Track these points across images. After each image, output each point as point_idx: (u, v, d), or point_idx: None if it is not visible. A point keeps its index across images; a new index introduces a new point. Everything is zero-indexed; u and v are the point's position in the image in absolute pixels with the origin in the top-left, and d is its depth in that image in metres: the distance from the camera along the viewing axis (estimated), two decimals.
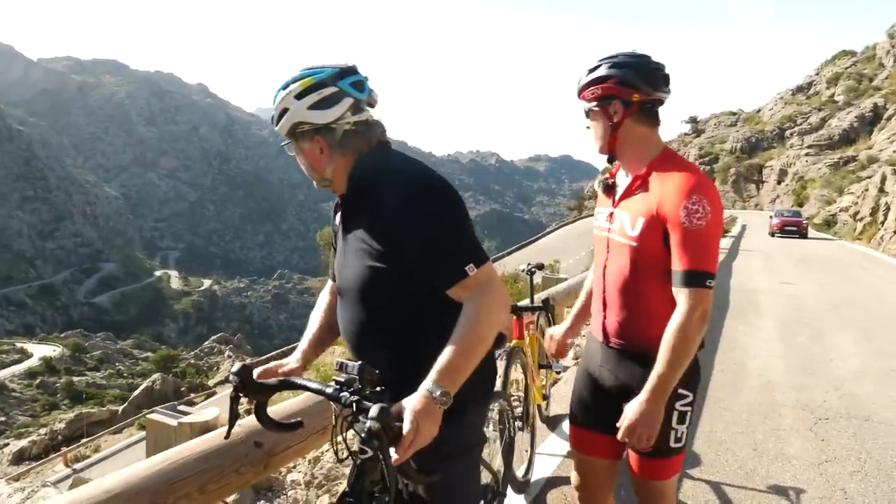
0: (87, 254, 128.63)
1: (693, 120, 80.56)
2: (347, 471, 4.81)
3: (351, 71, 1.67)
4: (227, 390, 30.00)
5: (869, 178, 29.67)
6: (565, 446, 4.02)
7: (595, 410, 2.07)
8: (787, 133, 55.88)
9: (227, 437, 1.68)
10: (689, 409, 1.95)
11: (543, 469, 3.68)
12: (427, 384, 1.43)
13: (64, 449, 24.17)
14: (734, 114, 75.70)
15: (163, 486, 1.60)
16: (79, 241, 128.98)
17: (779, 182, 50.10)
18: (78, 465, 22.20)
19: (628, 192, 1.98)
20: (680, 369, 1.79)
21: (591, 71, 1.98)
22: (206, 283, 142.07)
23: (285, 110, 1.62)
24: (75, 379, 45.37)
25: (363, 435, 1.38)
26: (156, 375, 32.57)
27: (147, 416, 2.14)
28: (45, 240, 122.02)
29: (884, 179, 25.98)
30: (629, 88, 1.91)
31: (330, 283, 1.96)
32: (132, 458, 18.40)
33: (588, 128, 2.05)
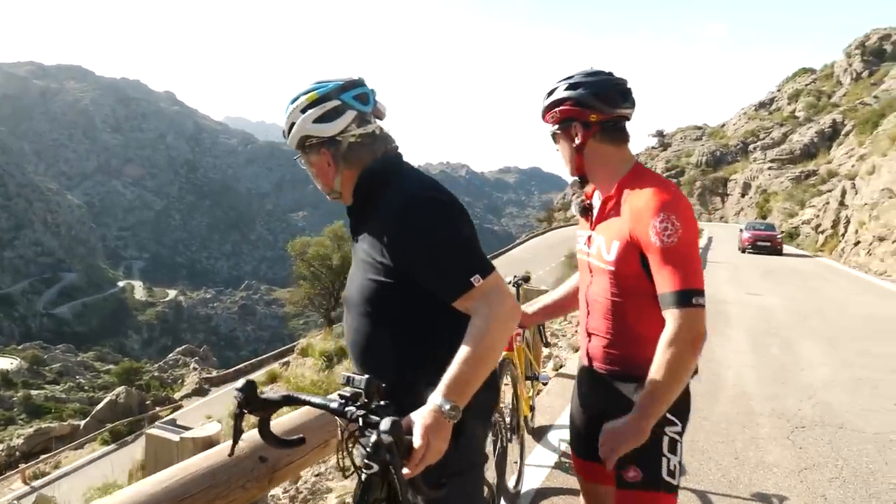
0: (47, 263, 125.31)
1: (660, 134, 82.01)
2: (331, 485, 4.77)
3: (355, 84, 1.68)
4: (194, 403, 29.53)
5: (829, 191, 30.51)
6: (552, 457, 4.05)
7: (591, 440, 1.92)
8: (751, 147, 57.18)
9: (231, 455, 1.65)
10: (678, 437, 1.83)
11: (532, 480, 3.70)
12: (436, 398, 1.41)
13: (22, 465, 23.43)
14: (699, 128, 77.29)
15: (170, 502, 1.57)
16: (39, 249, 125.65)
17: (743, 195, 51.18)
18: (37, 483, 21.53)
19: (601, 215, 1.92)
20: (671, 396, 1.69)
21: (549, 94, 1.94)
22: (172, 293, 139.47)
23: (293, 124, 1.64)
24: (33, 392, 44.08)
25: (369, 449, 1.36)
26: (120, 389, 31.83)
27: (147, 431, 2.10)
28: (3, 248, 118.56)
29: (844, 193, 26.74)
30: (586, 109, 1.86)
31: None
32: (96, 475, 17.98)
33: (557, 150, 2.01)
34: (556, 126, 1.93)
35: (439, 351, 1.53)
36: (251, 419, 1.71)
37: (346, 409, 1.47)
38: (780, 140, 53.57)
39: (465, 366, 1.45)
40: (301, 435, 1.73)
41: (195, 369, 41.77)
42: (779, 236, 24.74)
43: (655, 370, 1.68)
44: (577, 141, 1.89)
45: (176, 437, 1.94)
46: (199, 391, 31.00)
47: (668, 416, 1.77)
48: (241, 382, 1.56)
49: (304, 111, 1.62)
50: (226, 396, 25.63)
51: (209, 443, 1.96)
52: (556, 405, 5.10)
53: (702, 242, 28.22)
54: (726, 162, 59.73)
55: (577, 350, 6.57)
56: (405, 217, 1.55)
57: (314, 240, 27.32)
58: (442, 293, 1.55)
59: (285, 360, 26.78)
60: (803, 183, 41.36)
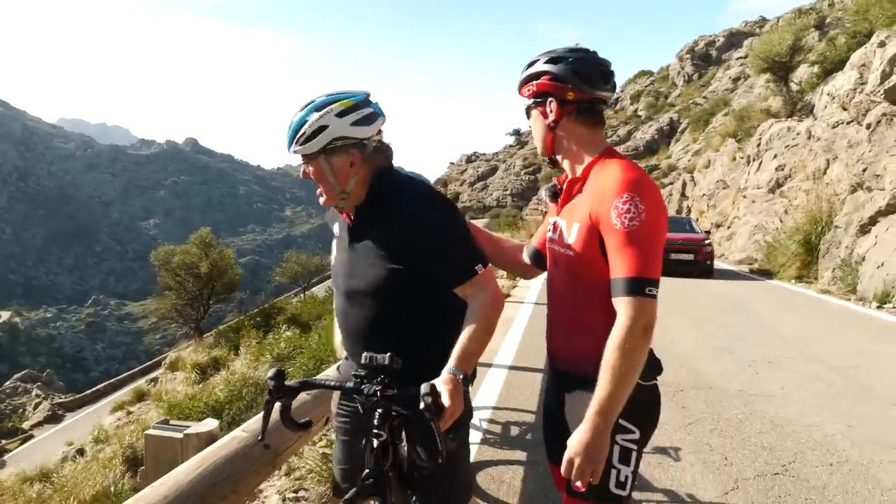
0: None
1: (517, 132, 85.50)
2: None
3: (371, 97, 1.90)
4: (47, 431, 26.98)
5: (671, 184, 33.44)
6: (478, 434, 4.37)
7: (557, 444, 1.81)
8: None
9: (261, 440, 1.77)
10: (633, 447, 1.71)
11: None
12: (451, 368, 1.68)
13: None
14: None
15: (206, 489, 1.69)
16: None
17: None
18: None
19: (566, 198, 1.85)
20: (623, 391, 1.56)
21: (529, 66, 1.85)
22: (5, 314, 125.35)
23: (323, 127, 1.77)
24: None
25: (408, 412, 1.60)
26: None
27: (145, 432, 2.14)
28: None
29: (685, 185, 29.50)
30: (565, 85, 1.77)
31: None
32: None
33: (529, 126, 1.94)
34: (532, 100, 1.86)
35: (445, 331, 1.82)
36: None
37: (363, 387, 1.70)
38: (626, 137, 57.81)
39: (471, 342, 1.74)
40: (308, 419, 1.90)
41: (38, 396, 38.07)
42: (706, 241, 15.26)
43: (605, 367, 1.58)
44: (551, 118, 1.81)
45: (179, 434, 2.02)
46: (53, 418, 28.39)
47: (622, 422, 1.66)
48: (272, 371, 1.73)
49: (340, 115, 1.78)
50: (86, 421, 23.74)
51: (212, 437, 2.06)
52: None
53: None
54: None
55: None
56: (425, 213, 1.81)
57: (179, 248, 25.88)
58: (450, 279, 1.82)
59: (152, 376, 25.28)
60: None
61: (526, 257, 2.20)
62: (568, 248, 1.78)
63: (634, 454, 1.71)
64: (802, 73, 21.53)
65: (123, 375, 32.87)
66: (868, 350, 7.23)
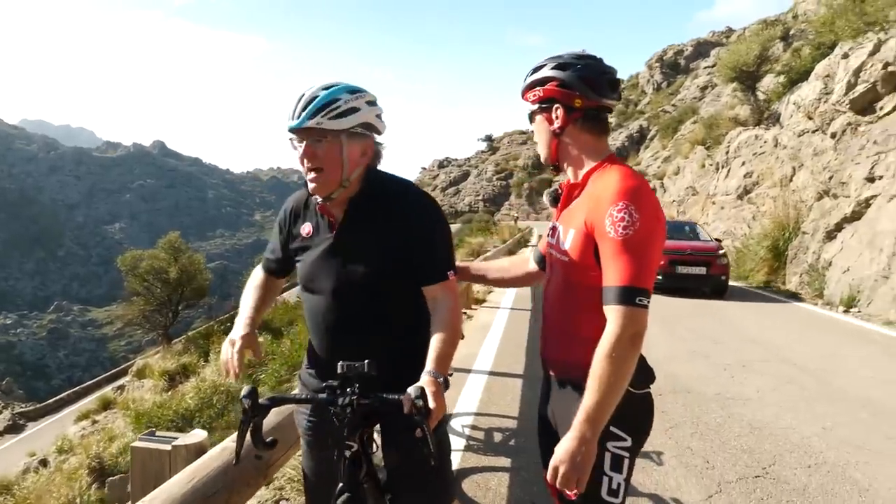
0: None
1: (488, 138, 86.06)
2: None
3: None
4: (7, 442, 26.17)
5: None
6: (461, 441, 4.34)
7: (548, 450, 1.76)
8: None
9: (236, 463, 1.70)
10: (625, 454, 1.69)
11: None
12: (432, 371, 1.69)
13: None
14: (524, 133, 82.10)
15: (200, 502, 1.63)
16: None
17: None
18: None
19: (565, 204, 1.83)
20: (611, 400, 1.55)
21: (535, 71, 1.83)
22: None
23: (355, 109, 1.76)
24: None
25: (423, 410, 1.55)
26: None
27: (131, 445, 2.06)
28: None
29: (654, 191, 29.90)
30: (572, 92, 1.75)
31: (256, 275, 2.12)
32: None
33: (531, 132, 1.92)
34: (537, 106, 1.84)
35: (419, 333, 1.84)
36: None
37: (338, 398, 1.66)
38: None
39: (445, 346, 1.77)
40: (273, 437, 1.81)
41: None
42: (721, 252, 12.65)
43: (593, 375, 1.56)
44: (557, 124, 1.79)
45: (167, 447, 1.96)
46: (14, 428, 27.54)
47: (613, 429, 1.65)
48: (245, 389, 1.65)
49: (370, 104, 1.80)
50: (49, 430, 23.10)
51: (201, 448, 2.00)
52: (448, 396, 5.41)
53: (533, 240, 30.05)
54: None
55: None
56: (419, 211, 1.86)
57: (147, 252, 25.36)
58: (427, 278, 1.85)
59: (119, 383, 24.71)
60: None
61: (533, 263, 2.21)
62: (564, 253, 1.76)
63: (627, 461, 1.69)
64: (768, 82, 21.99)
65: (88, 383, 32.04)
66: (838, 353, 7.39)
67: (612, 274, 1.59)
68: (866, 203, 11.35)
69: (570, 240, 1.74)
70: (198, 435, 2.04)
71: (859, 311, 10.27)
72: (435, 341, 1.76)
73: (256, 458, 2.02)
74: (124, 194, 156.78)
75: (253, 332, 1.88)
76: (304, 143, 1.77)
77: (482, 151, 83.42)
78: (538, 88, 1.80)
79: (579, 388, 1.65)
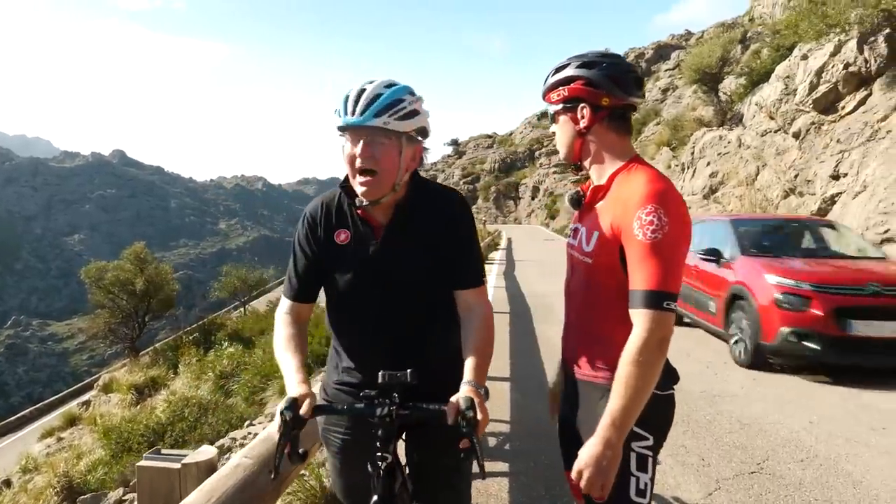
0: None
1: (454, 142, 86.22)
2: None
3: None
4: None
5: None
6: None
7: (570, 451, 1.80)
8: (537, 154, 62.49)
9: (274, 478, 1.64)
10: (649, 453, 1.68)
11: None
12: (473, 382, 1.65)
13: None
14: (490, 136, 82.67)
15: None
16: None
17: (533, 197, 55.68)
18: None
19: (589, 205, 1.81)
20: (637, 405, 1.54)
21: (558, 70, 1.80)
22: None
23: (416, 112, 1.72)
24: None
25: (464, 421, 1.51)
26: None
27: (137, 464, 1.97)
28: None
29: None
30: (599, 91, 1.73)
31: (287, 310, 1.88)
32: None
33: (553, 132, 1.89)
34: (560, 106, 1.80)
35: (457, 335, 1.82)
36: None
37: (376, 408, 1.60)
38: None
39: (482, 356, 1.74)
40: (305, 448, 1.75)
41: None
42: None
43: (620, 379, 1.56)
44: (583, 124, 1.76)
45: (176, 465, 1.87)
46: None
47: (637, 430, 1.63)
48: (286, 401, 1.58)
49: (424, 108, 1.76)
50: (10, 449, 22.33)
51: (212, 466, 1.92)
52: None
53: (503, 243, 30.11)
54: (516, 168, 64.61)
55: None
56: (461, 217, 1.85)
57: (112, 264, 24.69)
58: (466, 282, 1.83)
59: (84, 398, 24.01)
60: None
61: None
62: (587, 255, 1.75)
63: (650, 461, 1.69)
64: (730, 83, 22.46)
65: (51, 399, 31.03)
66: None
67: (640, 277, 1.57)
68: (832, 200, 11.63)
69: (594, 242, 1.72)
70: (207, 451, 1.96)
71: None
72: (472, 351, 1.73)
73: (270, 474, 1.95)
74: (84, 205, 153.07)
75: (311, 392, 1.66)
76: (362, 142, 1.68)
77: (448, 155, 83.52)
78: (563, 87, 1.77)
79: (600, 389, 1.68)
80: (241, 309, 29.24)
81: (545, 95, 1.83)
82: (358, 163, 1.68)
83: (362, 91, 1.68)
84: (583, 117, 1.75)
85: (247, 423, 9.67)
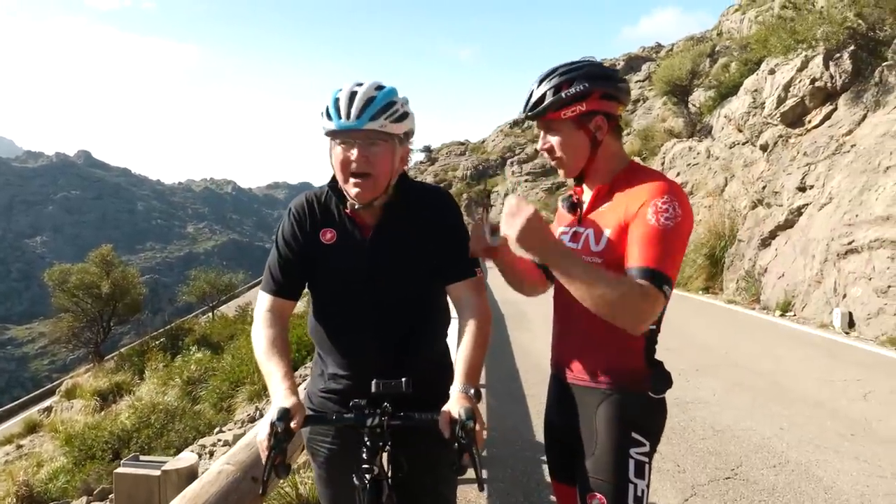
0: None
1: (427, 149, 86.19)
2: None
3: None
4: None
5: None
6: None
7: (560, 459, 1.85)
8: (509, 161, 62.80)
9: (262, 493, 1.60)
10: (646, 459, 1.66)
11: None
12: (464, 385, 1.59)
13: None
14: (462, 144, 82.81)
15: None
16: None
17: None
18: None
19: (592, 207, 1.77)
20: (579, 279, 1.51)
21: (563, 86, 1.70)
22: None
23: (407, 114, 1.73)
24: None
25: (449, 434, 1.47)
26: None
27: (114, 471, 1.90)
28: None
29: None
30: (613, 101, 1.71)
31: (268, 308, 1.79)
32: None
33: (546, 150, 1.81)
34: (573, 122, 1.72)
35: (444, 335, 1.85)
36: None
37: (366, 418, 1.57)
38: (533, 155, 59.41)
39: (476, 355, 1.69)
40: (288, 462, 1.70)
41: None
42: None
43: (601, 275, 1.52)
44: (600, 136, 1.72)
45: (156, 472, 1.82)
46: None
47: (634, 435, 1.64)
48: (278, 411, 1.50)
49: (412, 113, 1.76)
50: None
51: (192, 472, 1.87)
52: None
53: None
54: (488, 175, 64.84)
55: None
56: (448, 211, 1.86)
57: (76, 267, 24.09)
58: (457, 274, 1.80)
59: (45, 404, 23.39)
60: (556, 193, 46.54)
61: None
62: (595, 255, 1.68)
63: (647, 467, 1.66)
64: (699, 96, 22.91)
65: (10, 406, 30.16)
66: (781, 356, 7.68)
67: (643, 255, 1.54)
68: (798, 211, 11.90)
69: (604, 241, 1.68)
70: (188, 458, 1.91)
71: (794, 315, 10.73)
72: (465, 349, 1.67)
73: (253, 481, 1.91)
74: (47, 206, 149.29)
75: (300, 402, 1.59)
76: (357, 145, 1.65)
77: (421, 162, 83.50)
78: (580, 103, 1.69)
79: (598, 395, 1.67)
80: (210, 314, 28.79)
81: (558, 112, 1.71)
82: (353, 167, 1.65)
83: (354, 94, 1.65)
84: (598, 128, 1.71)
85: (216, 429, 9.50)
